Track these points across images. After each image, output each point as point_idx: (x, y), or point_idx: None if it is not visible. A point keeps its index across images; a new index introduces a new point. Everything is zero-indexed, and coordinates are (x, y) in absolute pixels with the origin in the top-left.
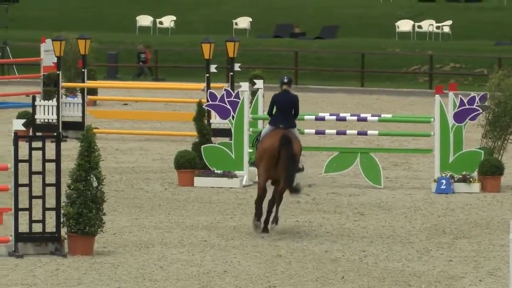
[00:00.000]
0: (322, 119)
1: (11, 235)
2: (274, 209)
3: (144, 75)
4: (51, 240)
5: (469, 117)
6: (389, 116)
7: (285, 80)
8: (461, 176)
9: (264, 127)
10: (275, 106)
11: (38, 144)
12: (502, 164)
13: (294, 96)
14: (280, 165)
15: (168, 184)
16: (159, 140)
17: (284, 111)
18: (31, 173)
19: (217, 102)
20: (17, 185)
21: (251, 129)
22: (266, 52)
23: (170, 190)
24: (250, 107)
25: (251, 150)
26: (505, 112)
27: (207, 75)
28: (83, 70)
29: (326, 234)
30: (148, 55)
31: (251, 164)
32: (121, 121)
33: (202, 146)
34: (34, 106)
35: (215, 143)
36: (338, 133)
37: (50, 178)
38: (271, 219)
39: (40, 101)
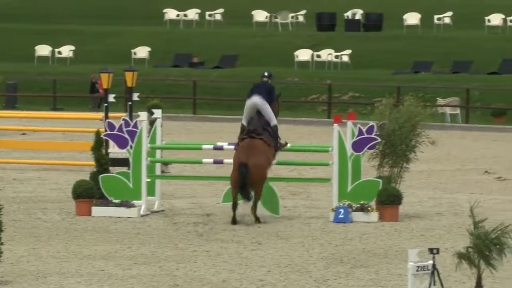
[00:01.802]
0: (220, 148)
1: None
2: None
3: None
4: None
5: (368, 146)
6: (287, 145)
7: (266, 74)
8: (359, 205)
9: (162, 156)
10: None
11: None
12: (400, 193)
13: (270, 85)
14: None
15: (66, 214)
16: (57, 170)
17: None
18: None
19: (115, 132)
20: None
21: (149, 158)
22: (164, 82)
23: (67, 219)
24: (148, 136)
25: (149, 180)
26: (401, 140)
27: (106, 104)
28: None
29: (224, 263)
30: (100, 84)
31: None
32: (19, 151)
33: (100, 176)
34: None
35: (113, 173)
36: None
37: None
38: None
39: None
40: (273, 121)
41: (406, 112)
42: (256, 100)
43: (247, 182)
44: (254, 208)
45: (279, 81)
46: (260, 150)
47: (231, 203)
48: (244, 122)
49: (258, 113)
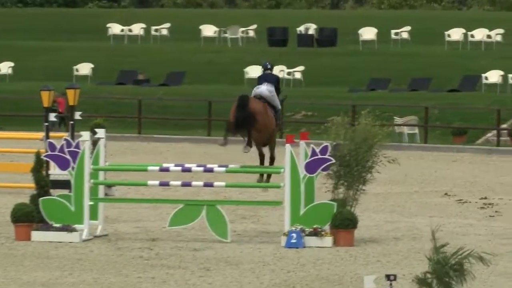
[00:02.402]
0: (167, 170)
1: None
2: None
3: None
4: None
5: (321, 167)
6: (237, 166)
7: (268, 66)
8: (312, 230)
9: (106, 178)
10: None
11: None
12: (356, 217)
13: (275, 75)
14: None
15: (5, 239)
16: None
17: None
18: None
19: (56, 152)
20: None
21: (92, 180)
22: (108, 100)
23: (6, 244)
24: (91, 157)
25: (92, 203)
26: (356, 161)
27: (46, 124)
28: None
29: None
30: (60, 103)
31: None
32: None
33: (40, 199)
34: None
35: (53, 196)
36: (183, 184)
37: None
38: None
39: None
40: (279, 106)
41: (363, 132)
42: (265, 89)
43: (249, 114)
44: (268, 178)
45: (228, 100)
46: (266, 108)
47: (178, 227)
48: None
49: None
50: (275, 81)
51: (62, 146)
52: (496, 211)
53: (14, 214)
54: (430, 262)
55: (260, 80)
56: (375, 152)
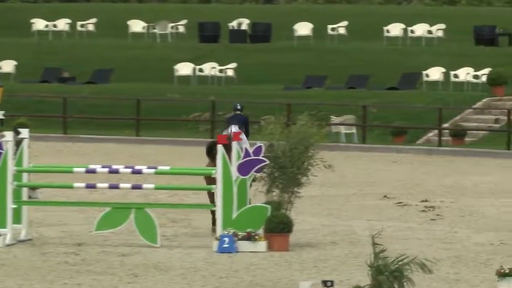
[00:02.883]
0: (93, 171)
1: None
2: None
3: None
4: None
5: (255, 169)
6: (166, 168)
7: (238, 107)
8: (245, 234)
9: (30, 180)
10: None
11: None
12: (291, 220)
13: (245, 116)
14: None
15: None
16: None
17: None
18: None
19: None
20: None
21: (15, 182)
22: (32, 99)
23: None
24: (14, 158)
25: (15, 206)
26: (291, 163)
27: None
28: None
29: None
30: None
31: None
32: None
33: None
34: None
35: None
36: (110, 186)
37: None
38: None
39: None
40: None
41: (299, 132)
42: (234, 131)
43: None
44: None
45: (157, 98)
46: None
47: (105, 231)
48: None
49: None
50: (244, 123)
51: None
52: (437, 214)
53: None
54: (370, 268)
55: (230, 121)
56: (311, 154)
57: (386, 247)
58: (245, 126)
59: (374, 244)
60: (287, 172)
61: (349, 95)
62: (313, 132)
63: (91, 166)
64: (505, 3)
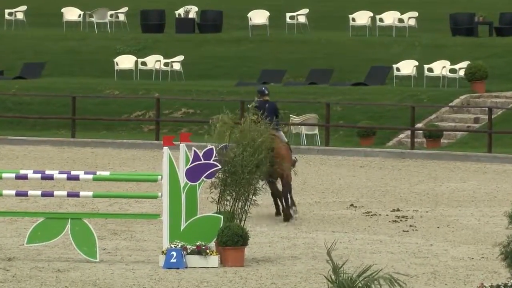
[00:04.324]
0: (24, 177)
1: None
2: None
3: None
4: None
5: (206, 174)
6: (106, 173)
7: (266, 92)
8: (195, 247)
9: None
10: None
11: None
12: (246, 232)
13: (274, 103)
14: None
15: None
16: None
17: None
18: None
19: None
20: None
21: None
22: None
23: None
24: None
25: None
26: (242, 167)
27: None
28: None
29: None
30: None
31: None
32: None
33: None
34: None
35: None
36: (43, 194)
37: None
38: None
39: None
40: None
41: (249, 131)
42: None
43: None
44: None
45: (95, 95)
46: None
47: (38, 244)
48: None
49: None
50: (275, 111)
51: None
52: (410, 225)
53: None
54: (332, 284)
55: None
56: (262, 156)
57: (347, 260)
58: (275, 115)
59: (331, 258)
60: (239, 178)
61: (310, 92)
62: (262, 131)
63: (22, 172)
64: None
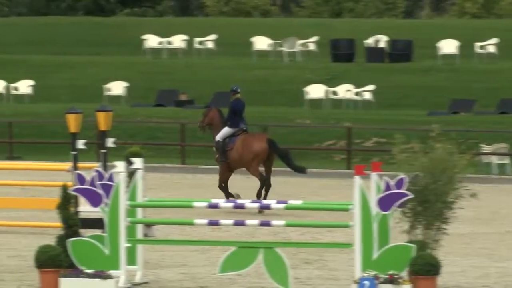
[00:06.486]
0: (216, 206)
1: None
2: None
3: None
4: None
5: (397, 203)
6: (298, 202)
7: (238, 90)
8: (387, 276)
9: (145, 216)
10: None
11: None
12: (438, 261)
13: (244, 102)
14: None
15: (27, 287)
16: (15, 233)
17: (241, 115)
18: None
19: (86, 186)
20: None
21: (128, 219)
22: (145, 124)
23: None
24: (127, 192)
25: (129, 245)
26: (436, 196)
27: (74, 152)
28: None
29: None
30: None
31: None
32: None
33: (68, 240)
34: None
35: (84, 236)
36: (235, 223)
37: None
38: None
39: None
40: None
41: (440, 160)
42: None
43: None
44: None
45: (286, 124)
46: None
47: (230, 273)
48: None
49: None
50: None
51: (92, 179)
52: None
53: (39, 258)
54: None
55: (236, 111)
56: (456, 185)
57: None
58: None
59: None
60: (432, 207)
61: (500, 121)
62: (455, 160)
63: (214, 201)
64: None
